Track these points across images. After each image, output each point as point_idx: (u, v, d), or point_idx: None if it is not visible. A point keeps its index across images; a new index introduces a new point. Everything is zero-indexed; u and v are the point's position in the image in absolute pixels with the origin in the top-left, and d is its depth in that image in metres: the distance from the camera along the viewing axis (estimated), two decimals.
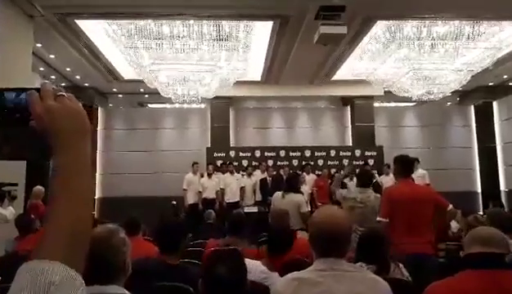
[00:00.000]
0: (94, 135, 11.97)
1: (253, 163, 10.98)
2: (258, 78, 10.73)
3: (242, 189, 9.71)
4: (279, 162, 11.40)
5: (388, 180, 8.82)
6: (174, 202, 9.90)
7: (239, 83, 9.55)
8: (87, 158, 0.69)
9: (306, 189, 8.92)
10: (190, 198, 9.49)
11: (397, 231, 3.58)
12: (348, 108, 12.81)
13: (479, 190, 12.70)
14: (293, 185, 5.43)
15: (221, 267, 1.73)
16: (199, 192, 9.49)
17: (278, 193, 5.42)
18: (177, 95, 8.78)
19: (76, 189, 0.66)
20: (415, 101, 10.74)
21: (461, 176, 12.39)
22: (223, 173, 9.87)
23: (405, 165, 4.02)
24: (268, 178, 9.93)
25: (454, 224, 5.23)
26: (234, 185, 9.64)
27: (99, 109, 12.47)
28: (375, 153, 11.66)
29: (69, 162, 0.67)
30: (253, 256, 2.98)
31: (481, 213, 7.13)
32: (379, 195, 4.43)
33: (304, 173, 9.81)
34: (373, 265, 2.59)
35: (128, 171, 12.04)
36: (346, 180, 10.23)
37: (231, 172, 9.83)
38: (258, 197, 9.82)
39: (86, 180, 0.68)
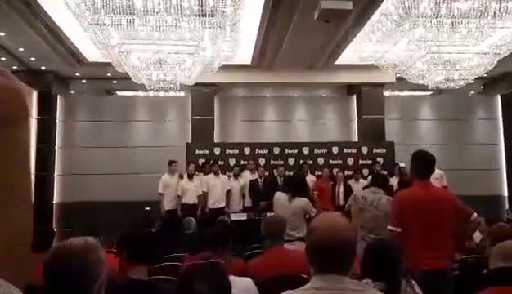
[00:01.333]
0: (52, 127, 11.91)
1: (242, 162, 10.98)
2: (249, 62, 10.71)
3: (228, 192, 9.68)
4: (272, 161, 11.40)
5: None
6: (148, 208, 9.86)
7: (225, 67, 9.50)
8: (27, 149, 0.68)
9: None
10: (167, 204, 9.46)
11: (410, 242, 3.57)
12: (354, 97, 12.86)
13: (506, 194, 12.84)
14: (302, 187, 5.46)
15: (200, 284, 1.71)
16: (178, 196, 9.45)
17: (283, 196, 5.39)
18: (151, 81, 8.71)
19: (16, 188, 0.64)
20: (432, 90, 10.79)
21: (485, 178, 12.50)
22: (206, 174, 9.84)
23: (425, 163, 3.94)
24: (259, 180, 9.93)
25: (476, 235, 5.26)
26: (219, 188, 9.60)
27: (58, 96, 12.32)
28: (384, 151, 11.73)
29: (7, 155, 0.64)
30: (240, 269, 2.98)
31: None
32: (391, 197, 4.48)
33: None
34: (380, 282, 2.60)
35: (93, 171, 11.96)
36: (351, 182, 10.38)
37: (216, 173, 9.79)
38: (247, 202, 9.83)
39: (27, 177, 0.67)
